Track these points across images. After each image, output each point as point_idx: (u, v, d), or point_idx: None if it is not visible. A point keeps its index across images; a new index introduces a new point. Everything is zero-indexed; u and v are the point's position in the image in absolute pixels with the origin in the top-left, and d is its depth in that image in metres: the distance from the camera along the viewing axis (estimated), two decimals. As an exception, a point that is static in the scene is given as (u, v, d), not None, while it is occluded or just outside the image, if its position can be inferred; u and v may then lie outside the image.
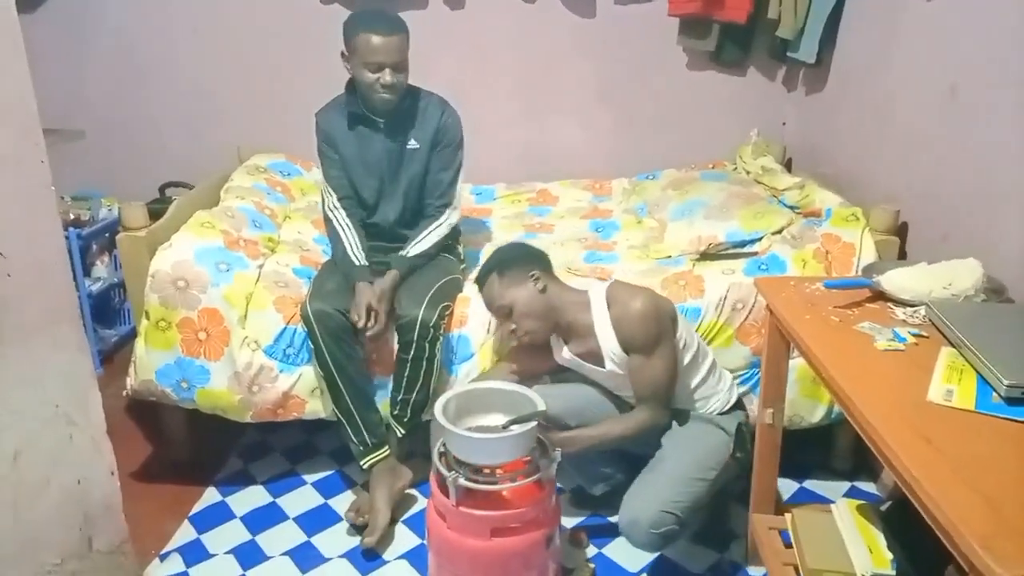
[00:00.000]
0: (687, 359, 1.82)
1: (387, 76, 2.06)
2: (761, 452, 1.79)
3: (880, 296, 1.58)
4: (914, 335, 1.40)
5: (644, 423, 1.79)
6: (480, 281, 1.92)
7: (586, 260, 2.44)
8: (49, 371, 1.44)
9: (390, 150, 2.20)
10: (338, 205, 2.20)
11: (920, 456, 1.04)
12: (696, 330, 2.01)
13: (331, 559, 1.97)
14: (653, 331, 1.72)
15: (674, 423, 1.86)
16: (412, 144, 2.20)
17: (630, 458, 1.95)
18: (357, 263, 2.13)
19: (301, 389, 2.12)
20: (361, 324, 2.00)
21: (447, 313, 2.08)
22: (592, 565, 1.92)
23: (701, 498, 1.75)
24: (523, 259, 1.89)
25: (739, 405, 1.92)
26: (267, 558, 1.98)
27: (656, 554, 1.93)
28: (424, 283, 2.09)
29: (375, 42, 2.03)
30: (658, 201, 2.76)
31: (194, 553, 2.00)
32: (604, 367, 1.82)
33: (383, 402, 2.13)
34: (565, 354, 1.92)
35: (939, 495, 0.95)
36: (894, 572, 1.45)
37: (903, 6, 2.22)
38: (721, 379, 1.91)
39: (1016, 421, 1.12)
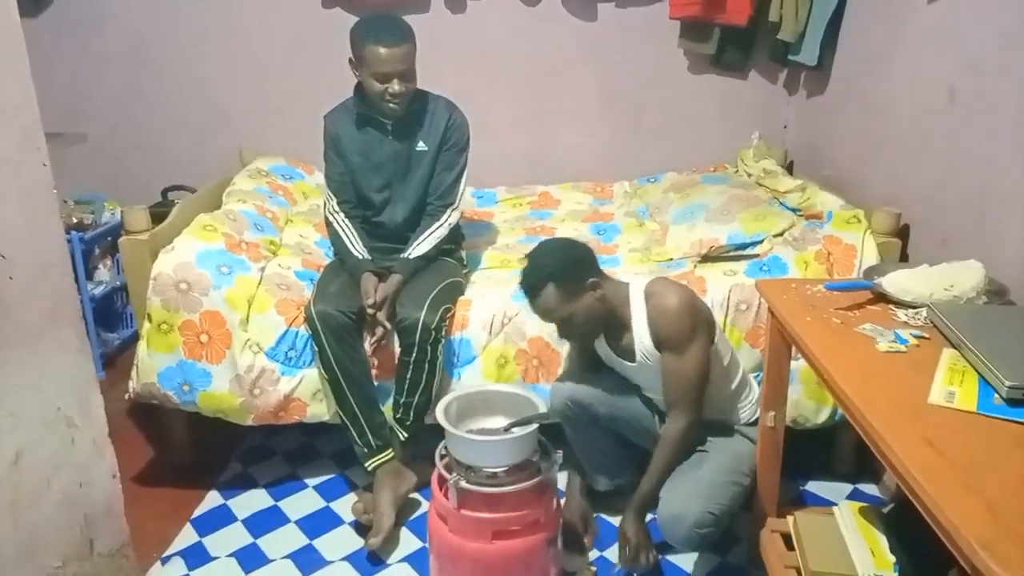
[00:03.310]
0: (721, 366, 1.81)
1: (395, 86, 2.08)
2: (763, 455, 1.79)
3: (882, 298, 1.58)
4: (915, 337, 1.40)
5: (680, 431, 1.75)
6: (533, 290, 1.74)
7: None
8: (51, 374, 1.44)
9: (398, 152, 2.22)
10: (338, 209, 2.23)
11: (922, 458, 1.04)
12: None
13: (333, 562, 1.97)
14: (687, 328, 1.70)
15: (705, 434, 1.86)
16: (421, 146, 2.22)
17: (636, 458, 1.95)
18: (360, 257, 2.17)
19: (303, 392, 2.12)
20: (370, 301, 2.02)
21: (448, 316, 2.08)
22: (594, 568, 1.91)
23: (736, 502, 1.76)
24: (579, 266, 1.75)
25: None
26: (269, 561, 1.98)
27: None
28: (425, 286, 2.10)
29: (382, 53, 2.04)
30: (659, 204, 2.76)
31: (196, 556, 2.00)
32: (634, 361, 1.81)
33: (386, 405, 2.13)
34: (599, 347, 1.90)
35: (941, 497, 0.95)
36: (896, 575, 1.45)
37: (904, 9, 2.22)
38: (751, 392, 1.92)
39: (1018, 422, 1.12)
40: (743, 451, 1.84)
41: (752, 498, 1.83)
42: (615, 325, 1.82)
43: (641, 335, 1.77)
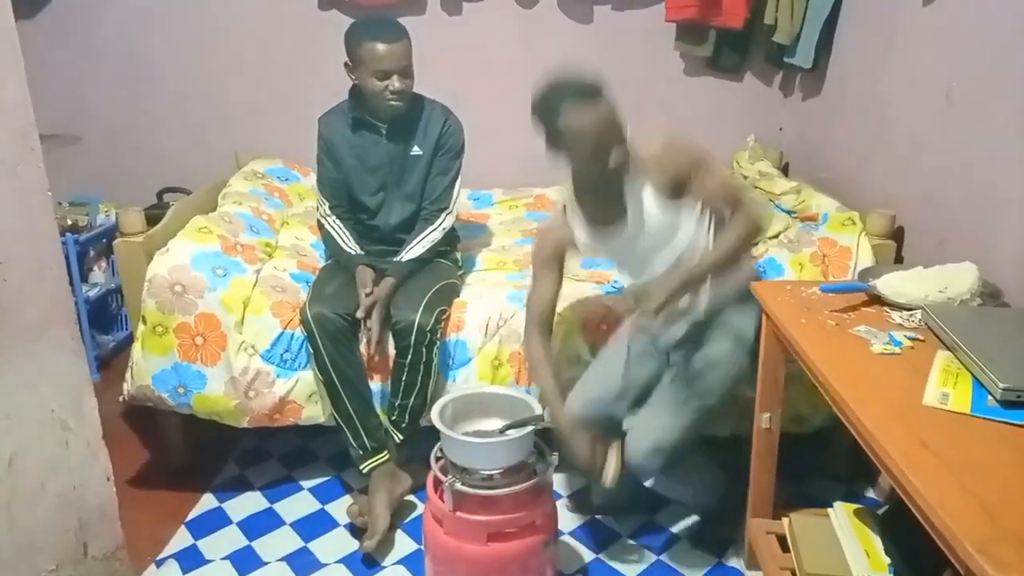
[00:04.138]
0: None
1: (395, 82, 2.09)
2: (759, 456, 1.79)
3: (876, 300, 1.58)
4: (910, 339, 1.40)
5: (746, 219, 1.62)
6: (593, 94, 1.68)
7: (583, 265, 2.44)
8: (45, 376, 1.44)
9: (393, 156, 2.22)
10: (330, 212, 2.24)
11: (916, 460, 1.04)
12: None
13: (328, 565, 1.97)
14: (695, 150, 1.70)
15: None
16: (415, 151, 2.22)
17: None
18: (353, 253, 2.19)
19: (298, 394, 2.12)
20: (367, 290, 2.04)
21: (444, 318, 2.08)
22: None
23: (693, 428, 1.74)
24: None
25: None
26: (264, 564, 1.98)
27: (649, 560, 1.95)
28: (420, 288, 2.10)
29: (380, 50, 2.05)
30: (655, 206, 2.76)
31: (190, 559, 1.99)
32: (626, 217, 1.71)
33: (381, 408, 2.13)
34: (582, 235, 1.81)
35: (935, 499, 0.95)
36: (891, 576, 1.45)
37: (899, 11, 2.22)
38: None
39: (1011, 424, 1.12)
40: (719, 359, 1.74)
41: (747, 499, 1.83)
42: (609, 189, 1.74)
43: (647, 187, 1.72)
